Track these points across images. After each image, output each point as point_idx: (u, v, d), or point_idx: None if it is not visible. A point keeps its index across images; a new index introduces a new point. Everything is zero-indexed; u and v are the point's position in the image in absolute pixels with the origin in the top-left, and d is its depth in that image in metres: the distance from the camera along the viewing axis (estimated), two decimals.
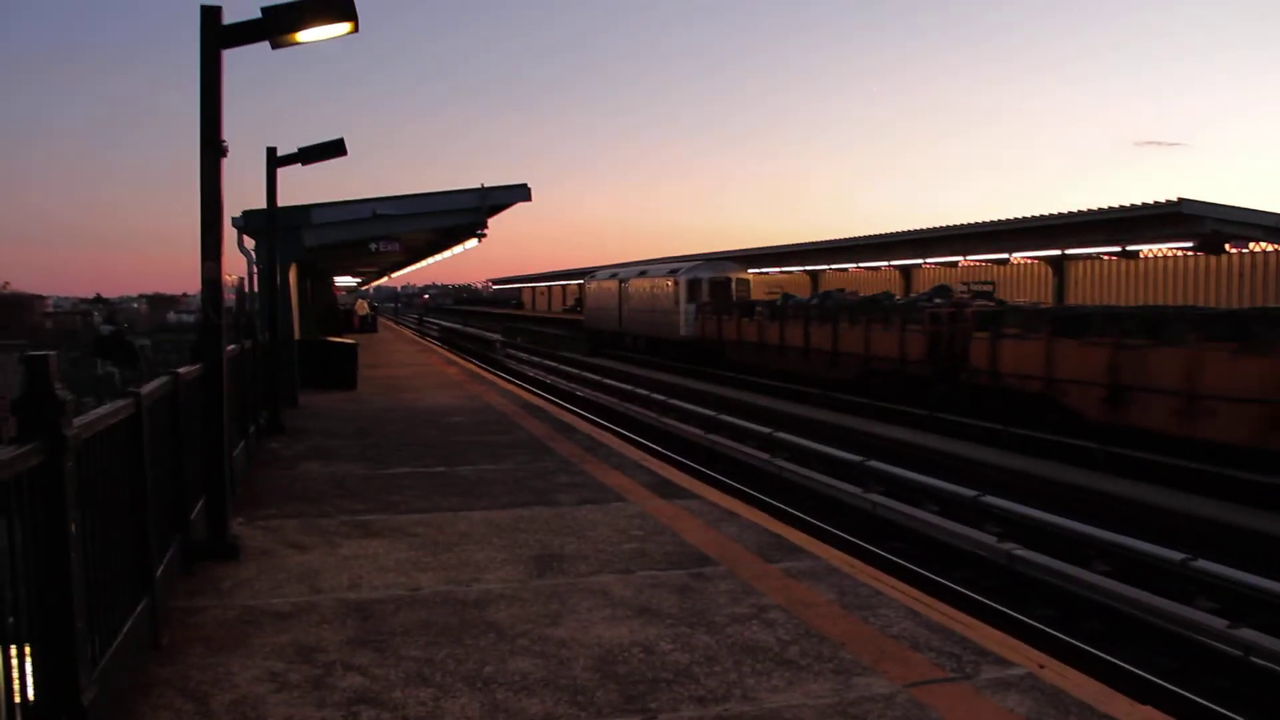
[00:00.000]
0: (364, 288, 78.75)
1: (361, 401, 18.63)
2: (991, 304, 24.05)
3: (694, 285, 41.07)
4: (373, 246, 21.10)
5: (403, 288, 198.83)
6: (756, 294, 42.30)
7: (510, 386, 24.24)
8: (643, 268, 50.01)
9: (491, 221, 21.85)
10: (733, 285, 41.81)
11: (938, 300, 25.92)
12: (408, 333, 66.53)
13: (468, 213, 20.20)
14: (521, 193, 20.50)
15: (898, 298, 31.52)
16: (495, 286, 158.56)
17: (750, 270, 44.97)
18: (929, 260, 36.64)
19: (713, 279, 41.79)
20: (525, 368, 42.86)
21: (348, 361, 21.32)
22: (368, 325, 53.77)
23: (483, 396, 19.61)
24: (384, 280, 76.82)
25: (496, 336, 59.86)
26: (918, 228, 36.50)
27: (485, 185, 19.85)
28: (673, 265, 46.49)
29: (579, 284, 62.42)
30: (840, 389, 26.15)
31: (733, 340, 35.65)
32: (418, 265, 43.38)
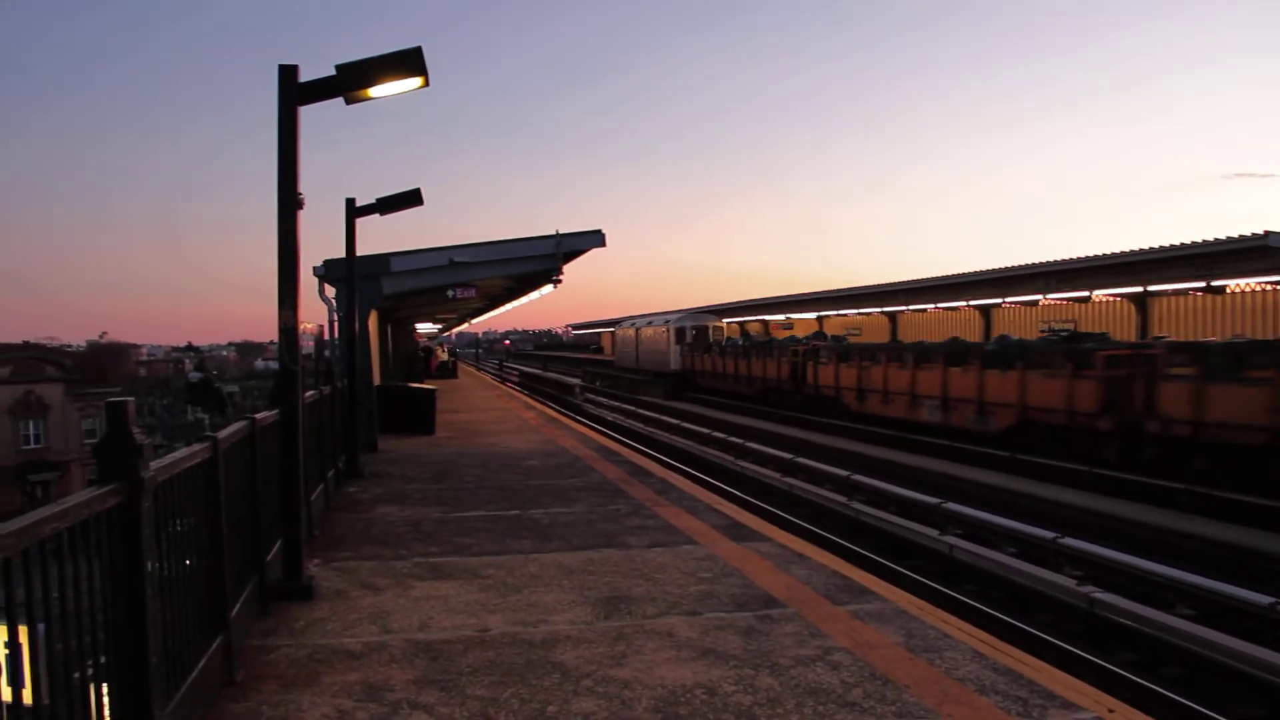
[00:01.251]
0: (445, 334, 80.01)
1: (439, 446, 18.89)
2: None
3: (680, 331, 53.86)
4: (450, 293, 21.43)
5: (484, 333, 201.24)
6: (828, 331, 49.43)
7: (586, 430, 24.37)
8: (650, 319, 62.15)
9: (570, 266, 22.12)
10: (710, 330, 53.98)
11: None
12: (488, 378, 67.27)
13: (543, 259, 20.44)
14: (596, 239, 20.72)
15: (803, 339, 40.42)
16: (575, 332, 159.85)
17: (846, 310, 52.27)
18: (1009, 299, 36.17)
19: (695, 326, 54.40)
20: (604, 411, 43.14)
21: (426, 407, 21.65)
22: (448, 371, 54.50)
23: (558, 440, 19.76)
24: (464, 326, 77.91)
25: (575, 381, 60.39)
26: (995, 266, 36.09)
27: (560, 232, 20.12)
28: (668, 316, 58.91)
29: (610, 331, 71.85)
30: (748, 400, 39.55)
31: (701, 370, 48.15)
32: (496, 311, 43.94)
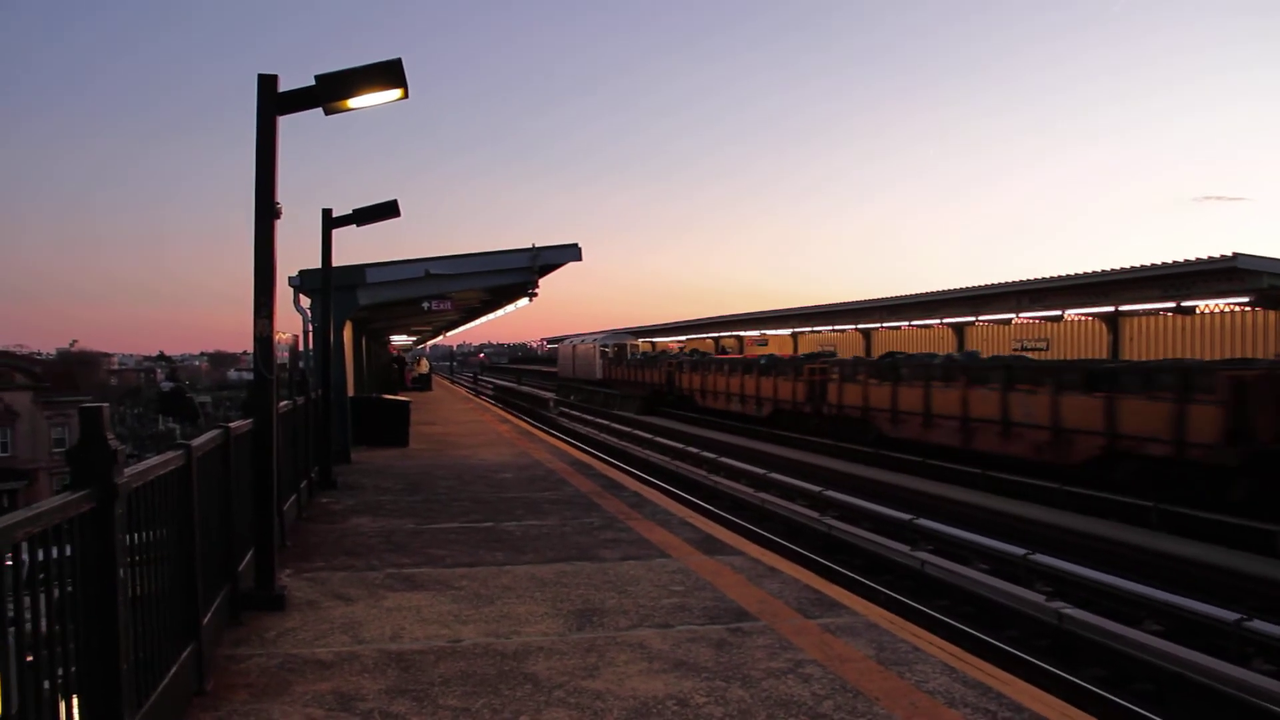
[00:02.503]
0: (420, 346, 79.84)
1: (413, 458, 18.85)
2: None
3: (604, 347, 66.44)
4: (425, 305, 21.42)
5: (458, 346, 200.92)
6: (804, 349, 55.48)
7: (561, 444, 24.37)
8: (584, 338, 74.16)
9: (546, 280, 22.15)
10: (626, 348, 65.38)
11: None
12: (462, 391, 67.10)
13: (519, 272, 20.48)
14: (573, 252, 20.77)
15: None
16: (549, 346, 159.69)
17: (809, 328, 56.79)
18: (982, 318, 36.46)
19: (615, 344, 66.31)
20: (577, 425, 43.17)
21: (400, 419, 21.59)
22: (422, 384, 54.41)
23: (532, 453, 19.75)
24: (439, 339, 77.57)
25: (550, 394, 60.63)
26: (969, 285, 36.36)
27: (536, 245, 20.16)
28: (597, 335, 71.22)
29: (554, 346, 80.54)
30: (642, 398, 51.51)
31: (616, 379, 61.12)
32: (471, 324, 43.90)
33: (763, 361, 39.33)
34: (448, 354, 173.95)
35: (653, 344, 74.15)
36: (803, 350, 52.63)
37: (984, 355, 29.98)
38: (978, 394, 23.58)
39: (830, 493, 19.25)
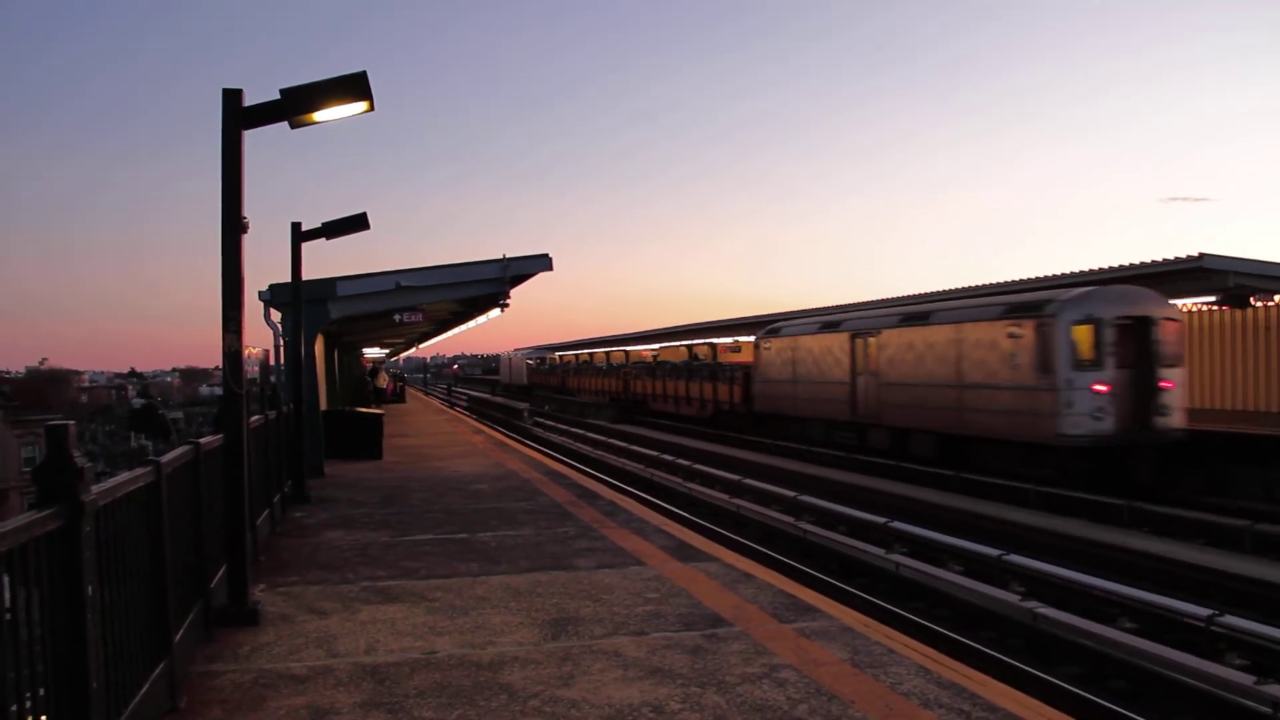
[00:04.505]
0: (393, 358, 79.63)
1: (387, 471, 18.78)
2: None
3: (530, 360, 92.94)
4: (397, 318, 21.36)
5: (432, 358, 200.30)
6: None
7: (535, 454, 24.34)
8: (518, 351, 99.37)
9: (518, 291, 22.11)
10: (547, 359, 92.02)
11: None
12: (436, 403, 66.91)
13: (490, 283, 20.45)
14: (543, 262, 20.76)
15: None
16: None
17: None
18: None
19: (540, 356, 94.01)
20: (551, 435, 43.09)
21: (373, 431, 21.52)
22: (393, 396, 54.23)
23: (506, 464, 19.72)
24: (412, 351, 77.31)
25: (524, 405, 60.50)
26: (941, 288, 36.45)
27: (507, 256, 20.16)
28: (526, 350, 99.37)
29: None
30: (553, 394, 72.61)
31: (537, 384, 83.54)
32: (444, 336, 43.76)
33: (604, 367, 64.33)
34: (421, 365, 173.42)
35: (581, 355, 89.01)
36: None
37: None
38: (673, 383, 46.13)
39: (806, 497, 19.30)
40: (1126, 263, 27.03)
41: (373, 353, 57.22)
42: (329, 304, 18.13)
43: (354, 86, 7.76)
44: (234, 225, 7.59)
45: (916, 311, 26.31)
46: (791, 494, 19.73)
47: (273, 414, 12.38)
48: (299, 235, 14.46)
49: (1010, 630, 11.48)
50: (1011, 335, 21.24)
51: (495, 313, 24.77)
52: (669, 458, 28.54)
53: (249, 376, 8.54)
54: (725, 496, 21.49)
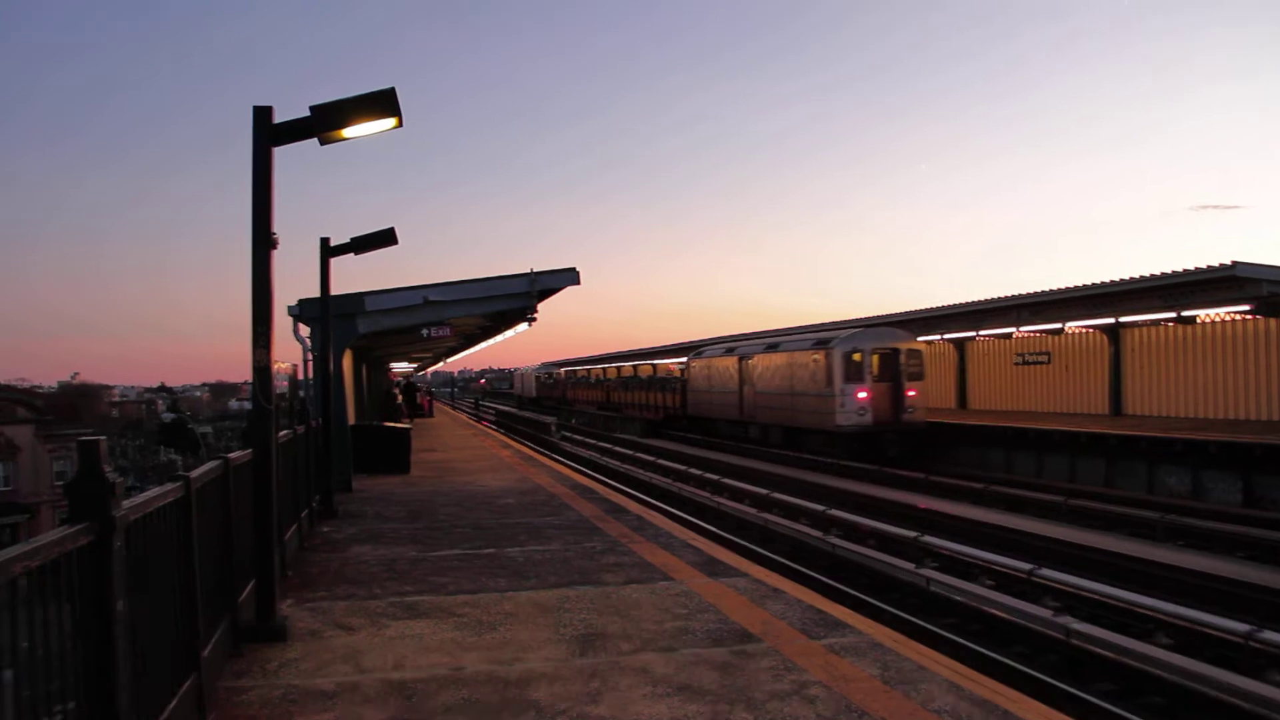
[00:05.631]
0: (421, 373, 79.90)
1: (414, 485, 18.82)
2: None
3: (538, 374, 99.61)
4: (424, 332, 21.44)
5: (460, 372, 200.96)
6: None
7: (562, 468, 24.32)
8: (527, 368, 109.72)
9: (547, 304, 22.13)
10: (553, 373, 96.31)
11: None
12: (463, 417, 67.07)
13: (517, 297, 20.48)
14: (570, 276, 20.77)
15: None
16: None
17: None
18: (982, 333, 36.38)
19: (547, 371, 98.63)
20: (579, 449, 43.10)
21: (401, 446, 21.58)
22: (420, 410, 54.33)
23: (534, 479, 19.71)
24: (440, 365, 77.60)
25: (551, 419, 60.49)
26: (969, 300, 36.27)
27: (534, 270, 20.19)
28: (534, 366, 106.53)
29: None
30: (553, 403, 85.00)
31: (542, 396, 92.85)
32: (471, 350, 43.84)
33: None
34: (449, 380, 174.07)
35: (578, 371, 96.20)
36: None
37: (985, 369, 38.36)
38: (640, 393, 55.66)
39: (834, 511, 19.19)
40: (1157, 271, 26.82)
41: (401, 367, 57.48)
42: (357, 319, 18.23)
43: (383, 103, 7.79)
44: (263, 241, 7.62)
45: (774, 342, 38.11)
46: (820, 508, 19.61)
47: (301, 429, 12.43)
48: (327, 250, 14.53)
49: (1043, 645, 11.35)
50: (814, 360, 32.28)
51: (523, 327, 24.84)
52: (696, 472, 28.50)
53: (278, 391, 8.57)
54: (754, 510, 21.41)
